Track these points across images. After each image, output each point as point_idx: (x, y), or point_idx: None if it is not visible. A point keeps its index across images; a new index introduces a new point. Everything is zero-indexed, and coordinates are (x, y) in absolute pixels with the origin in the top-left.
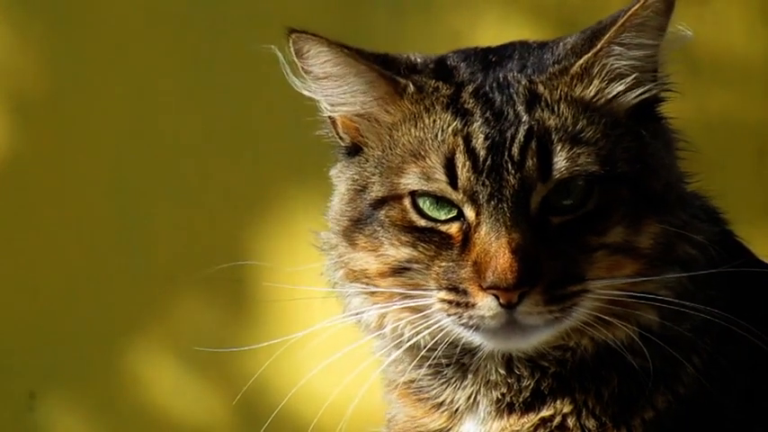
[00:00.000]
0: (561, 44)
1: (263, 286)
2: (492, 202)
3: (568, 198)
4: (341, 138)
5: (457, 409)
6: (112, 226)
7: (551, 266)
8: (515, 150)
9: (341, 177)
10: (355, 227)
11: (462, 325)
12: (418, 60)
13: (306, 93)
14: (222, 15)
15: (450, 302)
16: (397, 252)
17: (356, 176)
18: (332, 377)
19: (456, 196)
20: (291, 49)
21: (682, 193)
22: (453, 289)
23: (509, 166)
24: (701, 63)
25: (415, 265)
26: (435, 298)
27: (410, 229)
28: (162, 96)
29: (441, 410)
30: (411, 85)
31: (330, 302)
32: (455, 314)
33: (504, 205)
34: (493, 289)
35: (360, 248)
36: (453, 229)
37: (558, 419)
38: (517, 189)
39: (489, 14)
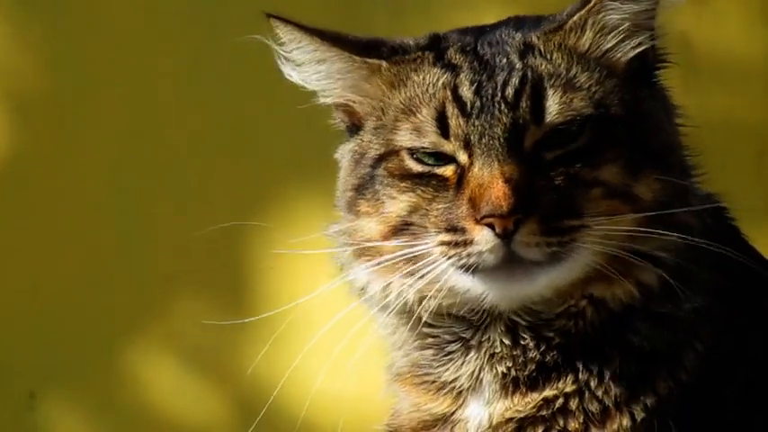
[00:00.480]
0: (558, 13)
1: (264, 287)
2: (483, 140)
3: (560, 136)
4: (342, 120)
5: (461, 391)
6: (112, 226)
7: (546, 199)
8: (509, 92)
9: (344, 156)
10: (357, 194)
11: (461, 267)
12: (411, 43)
13: (295, 80)
14: (222, 15)
15: (448, 244)
16: (397, 205)
17: (356, 147)
18: (332, 376)
19: (449, 147)
20: (273, 40)
21: (683, 161)
22: (451, 229)
23: (502, 105)
24: (701, 63)
25: (415, 216)
26: (435, 241)
27: (408, 176)
28: (162, 96)
29: (444, 392)
30: (384, 63)
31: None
32: (455, 255)
33: (496, 141)
34: (488, 217)
35: (362, 215)
36: (449, 171)
37: (560, 401)
38: (509, 127)
39: (489, 14)
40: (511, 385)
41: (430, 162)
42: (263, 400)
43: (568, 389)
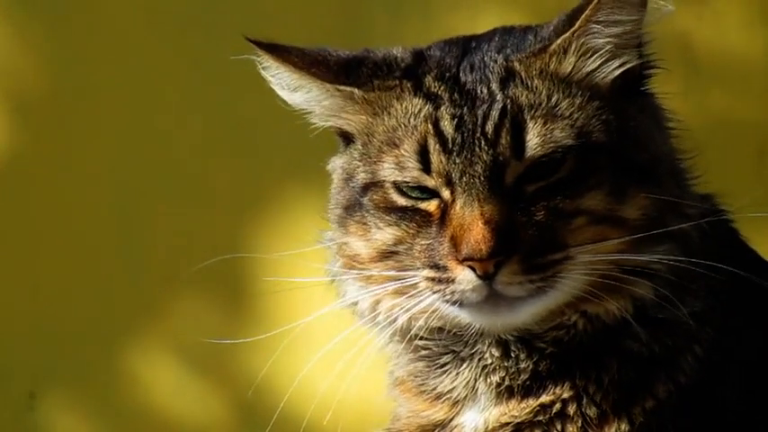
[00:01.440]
0: (545, 27)
1: (263, 285)
2: (464, 179)
3: (541, 167)
4: (335, 133)
5: (457, 399)
6: (112, 226)
7: (528, 235)
8: (489, 128)
9: (336, 170)
10: (346, 213)
11: (447, 302)
12: (397, 56)
13: (283, 98)
14: (222, 15)
15: (432, 279)
16: (383, 235)
17: (345, 166)
18: (332, 376)
19: (431, 182)
20: (259, 64)
21: (674, 167)
22: (435, 266)
23: (482, 143)
24: (701, 63)
25: (400, 247)
26: (420, 277)
27: (392, 209)
28: (162, 96)
29: (441, 401)
30: (357, 91)
31: (330, 295)
32: (439, 291)
33: (477, 180)
34: (468, 260)
35: (351, 234)
36: (432, 206)
37: (558, 406)
38: (490, 165)
39: (488, 14)
40: (505, 393)
41: (414, 195)
42: (262, 400)
43: (566, 395)
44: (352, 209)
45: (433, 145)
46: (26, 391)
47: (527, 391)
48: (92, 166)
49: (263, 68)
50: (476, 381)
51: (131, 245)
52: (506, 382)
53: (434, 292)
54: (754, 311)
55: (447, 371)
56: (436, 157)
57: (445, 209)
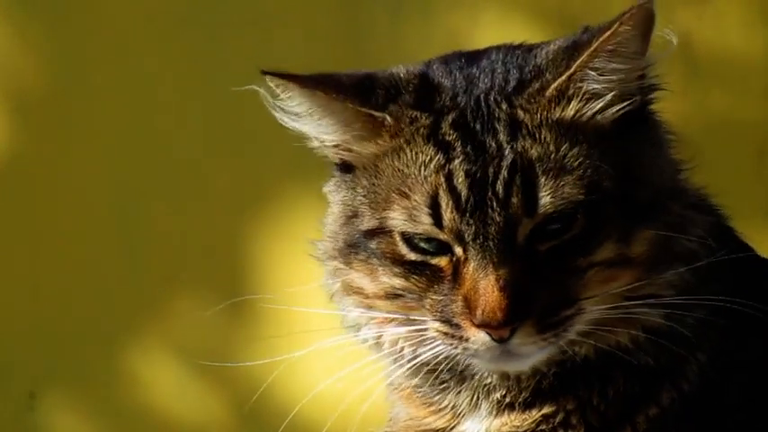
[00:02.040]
0: (544, 52)
1: (263, 286)
2: (478, 241)
3: (555, 224)
4: (331, 158)
5: (458, 411)
6: (112, 226)
7: (542, 295)
8: (499, 187)
9: (334, 196)
10: (350, 249)
11: (458, 353)
12: (401, 76)
13: (288, 126)
14: (222, 16)
15: (444, 333)
16: (391, 281)
17: (348, 201)
18: (335, 380)
19: (443, 236)
20: (269, 93)
21: (675, 185)
22: (447, 321)
23: (494, 203)
24: (701, 63)
25: (409, 295)
26: (430, 327)
27: (401, 262)
28: (162, 96)
29: (442, 412)
30: (388, 118)
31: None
32: (450, 344)
33: (491, 243)
34: (483, 327)
35: (355, 270)
36: (443, 262)
37: (561, 416)
38: (502, 226)
39: (489, 14)
40: (507, 408)
41: (424, 247)
42: (262, 400)
43: (569, 406)
44: (356, 247)
45: (445, 201)
46: (26, 391)
47: (529, 406)
48: (91, 165)
49: (274, 97)
50: (478, 398)
51: (131, 245)
52: (508, 399)
53: (445, 344)
54: (757, 318)
55: (448, 388)
56: (449, 215)
57: (457, 265)
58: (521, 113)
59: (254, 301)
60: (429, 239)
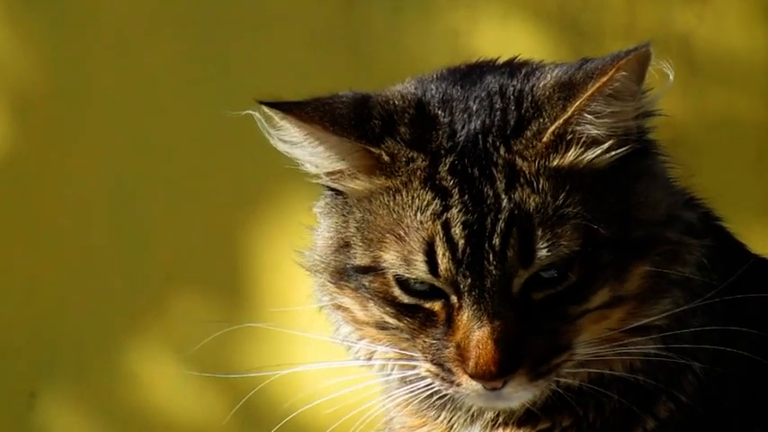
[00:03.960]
0: (541, 85)
1: (263, 286)
2: (474, 293)
3: (549, 272)
4: (324, 182)
5: (453, 425)
6: (112, 225)
7: (535, 344)
8: (496, 240)
9: (325, 219)
10: (341, 276)
11: (450, 393)
12: (396, 105)
13: (282, 151)
14: (222, 15)
15: (436, 375)
16: (383, 317)
17: (340, 228)
18: (334, 383)
19: (438, 283)
20: (264, 121)
21: (670, 213)
22: (439, 365)
23: (490, 256)
24: (701, 63)
25: (401, 334)
26: (422, 367)
27: (394, 303)
28: (162, 96)
29: (437, 426)
30: (384, 155)
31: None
32: (441, 385)
33: (486, 294)
34: (476, 378)
35: (346, 295)
36: (437, 306)
37: (557, 431)
38: (498, 279)
39: (489, 14)
40: (502, 426)
41: (418, 290)
42: (262, 399)
43: (565, 423)
44: (347, 277)
45: (442, 250)
46: (26, 391)
47: (523, 423)
48: (91, 165)
49: (271, 126)
50: (472, 416)
51: (131, 244)
52: (501, 419)
53: (436, 383)
54: (752, 323)
55: (443, 407)
56: (445, 264)
57: (451, 311)
58: (519, 161)
59: (253, 301)
60: (424, 282)
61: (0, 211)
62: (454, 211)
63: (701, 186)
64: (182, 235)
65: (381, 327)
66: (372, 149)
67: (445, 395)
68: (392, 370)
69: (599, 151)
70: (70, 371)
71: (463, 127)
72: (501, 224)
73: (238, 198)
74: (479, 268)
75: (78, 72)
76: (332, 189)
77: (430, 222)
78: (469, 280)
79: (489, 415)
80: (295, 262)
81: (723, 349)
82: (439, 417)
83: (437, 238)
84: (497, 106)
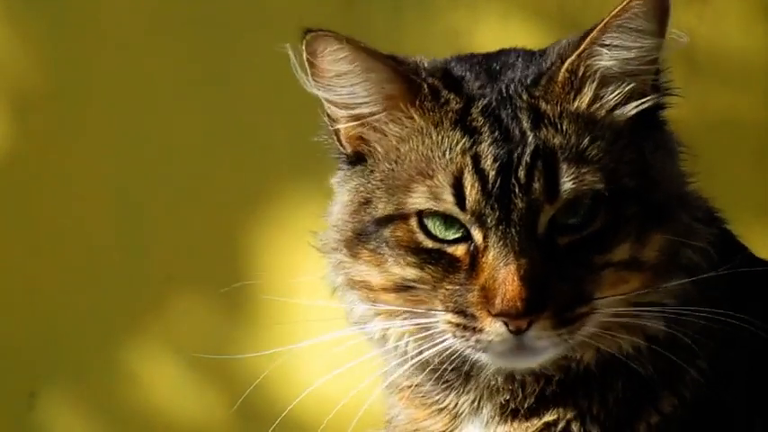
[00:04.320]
0: (556, 48)
1: (263, 285)
2: (501, 227)
3: (575, 217)
4: (342, 146)
5: (459, 413)
6: (112, 225)
7: (560, 289)
8: (522, 173)
9: (343, 186)
10: (358, 240)
11: (470, 347)
12: (425, 65)
13: (317, 93)
14: (222, 15)
15: (457, 325)
16: (403, 271)
17: (360, 188)
18: (334, 378)
19: (464, 217)
20: (304, 49)
21: (683, 195)
22: (461, 312)
23: (516, 188)
24: (701, 63)
25: (421, 286)
26: (442, 320)
27: (417, 250)
28: (162, 96)
29: (442, 413)
30: (425, 87)
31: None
32: (462, 337)
33: (513, 230)
34: (502, 316)
35: (363, 261)
36: (460, 251)
37: (562, 424)
38: (525, 212)
39: (489, 13)
40: (510, 414)
41: (441, 236)
42: (263, 399)
43: (570, 415)
44: (366, 236)
45: (470, 182)
46: (26, 390)
47: (532, 413)
48: (91, 165)
49: (311, 54)
50: (481, 399)
51: (131, 244)
52: (512, 405)
53: (456, 337)
54: (756, 317)
55: (452, 387)
56: (474, 196)
57: (475, 254)
58: (542, 104)
59: (253, 300)
60: (447, 225)
61: (0, 211)
62: (484, 145)
63: (700, 186)
64: (182, 235)
65: (399, 288)
66: (417, 79)
67: (457, 371)
68: (407, 345)
69: (617, 95)
70: (70, 371)
71: (489, 82)
72: (527, 157)
73: (238, 198)
74: (507, 201)
75: (78, 72)
76: (351, 157)
77: (459, 157)
78: (497, 213)
79: (499, 400)
80: (293, 259)
81: (726, 346)
82: (445, 402)
83: (466, 171)
84: (519, 66)
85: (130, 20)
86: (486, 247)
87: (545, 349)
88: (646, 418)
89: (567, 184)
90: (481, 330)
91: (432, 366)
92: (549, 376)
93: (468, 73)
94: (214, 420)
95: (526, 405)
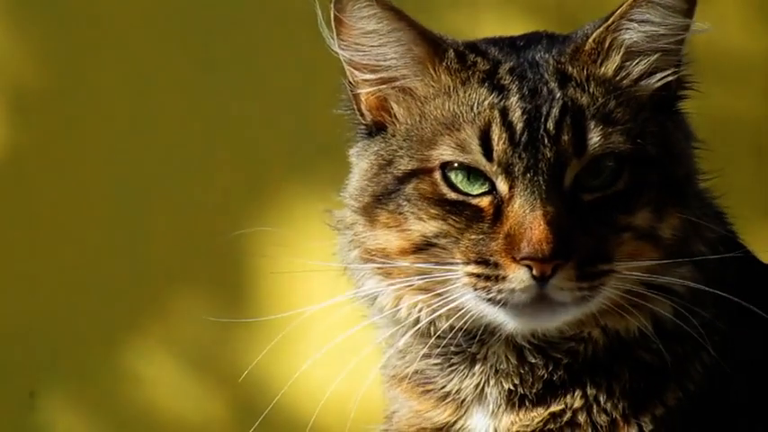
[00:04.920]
0: (582, 29)
1: (263, 285)
2: (528, 175)
3: (600, 176)
4: (362, 115)
5: (463, 400)
6: (112, 225)
7: (583, 242)
8: (551, 125)
9: (362, 155)
10: (378, 202)
11: (489, 300)
12: (449, 39)
13: (341, 54)
14: (222, 14)
15: (478, 276)
16: (424, 227)
17: (381, 152)
18: (333, 371)
19: (490, 168)
20: (332, 5)
21: (696, 188)
22: (483, 262)
23: (545, 140)
24: (701, 63)
25: (443, 240)
26: (462, 272)
27: (440, 202)
28: (162, 95)
29: (446, 401)
30: (452, 51)
31: (336, 288)
32: (483, 288)
33: (540, 178)
34: (527, 260)
35: (381, 225)
36: (484, 202)
37: (568, 415)
38: (552, 163)
39: (489, 13)
40: (517, 401)
41: (464, 189)
42: (263, 399)
43: (577, 404)
44: (386, 197)
45: (498, 133)
46: (26, 390)
47: (539, 401)
48: (91, 164)
49: (340, 12)
50: (486, 384)
51: (131, 244)
52: (520, 391)
53: (476, 289)
54: (759, 323)
55: (458, 370)
56: (501, 146)
57: (499, 206)
58: (569, 68)
59: (254, 301)
60: (472, 180)
61: (0, 211)
62: (513, 99)
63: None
64: (183, 235)
65: (418, 248)
66: (442, 44)
67: (463, 353)
68: (420, 312)
69: (642, 65)
70: (70, 371)
71: (514, 52)
72: (555, 111)
73: (240, 198)
74: (535, 151)
75: (78, 72)
76: (370, 128)
77: (488, 111)
78: (525, 162)
79: (508, 386)
80: (292, 259)
81: (730, 342)
82: (448, 386)
83: (494, 124)
84: (545, 42)
85: (130, 20)
86: (511, 197)
87: (565, 306)
88: (651, 410)
89: (594, 138)
90: (504, 279)
91: (439, 347)
92: (556, 360)
93: (492, 47)
94: (214, 419)
95: (534, 391)
